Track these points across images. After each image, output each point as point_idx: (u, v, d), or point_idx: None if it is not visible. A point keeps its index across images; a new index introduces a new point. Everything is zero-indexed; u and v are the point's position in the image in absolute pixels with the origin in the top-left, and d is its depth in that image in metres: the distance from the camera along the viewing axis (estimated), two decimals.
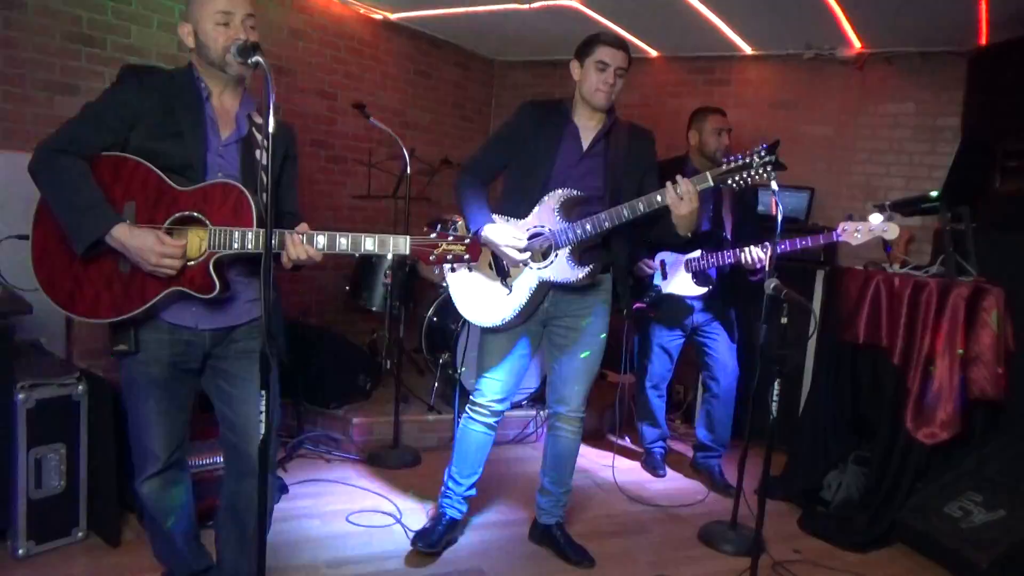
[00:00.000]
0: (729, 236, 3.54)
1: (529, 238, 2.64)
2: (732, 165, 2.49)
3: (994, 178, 3.68)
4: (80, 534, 2.75)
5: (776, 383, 2.52)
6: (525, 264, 2.65)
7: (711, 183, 2.52)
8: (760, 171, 2.43)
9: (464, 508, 2.95)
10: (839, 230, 3.14)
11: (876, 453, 3.38)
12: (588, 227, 2.63)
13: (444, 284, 2.75)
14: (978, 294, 3.20)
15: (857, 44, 4.63)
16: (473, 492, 2.95)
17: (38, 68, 3.31)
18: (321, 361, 4.03)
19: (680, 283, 3.56)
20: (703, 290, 3.53)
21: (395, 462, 3.78)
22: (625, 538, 3.16)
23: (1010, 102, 3.77)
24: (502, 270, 2.71)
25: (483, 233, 2.60)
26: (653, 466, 3.98)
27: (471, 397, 2.87)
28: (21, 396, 2.56)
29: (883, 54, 4.67)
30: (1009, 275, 3.26)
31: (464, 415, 2.90)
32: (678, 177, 2.51)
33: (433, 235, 1.96)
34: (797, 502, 3.59)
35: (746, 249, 3.31)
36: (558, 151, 2.69)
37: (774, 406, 2.53)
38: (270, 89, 1.69)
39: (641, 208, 2.55)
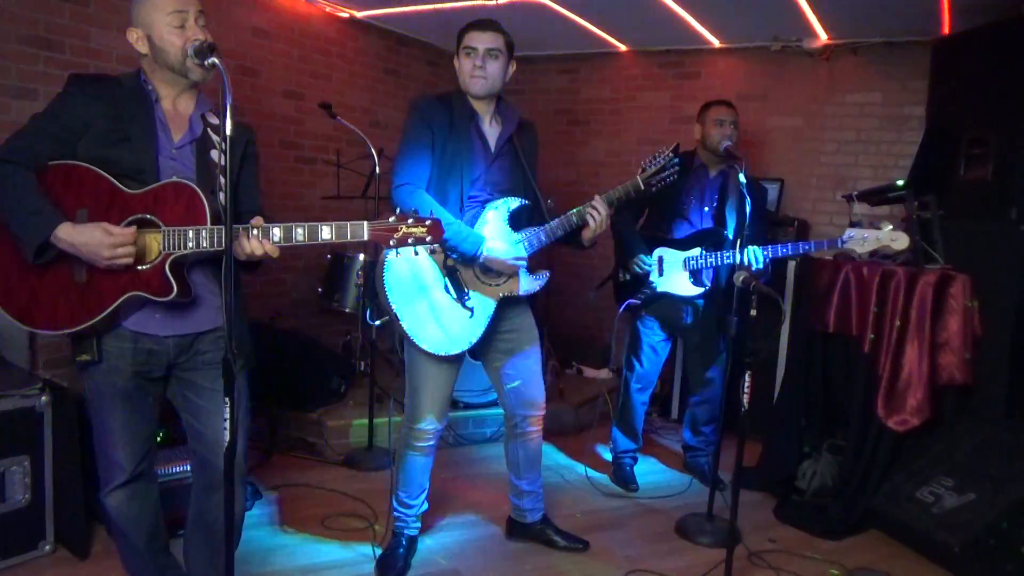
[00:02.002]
0: (731, 235, 3.41)
1: None
2: (655, 166, 2.64)
3: (959, 166, 3.71)
4: (47, 547, 2.70)
5: (746, 375, 2.53)
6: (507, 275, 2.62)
7: (641, 186, 2.65)
8: (672, 168, 2.65)
9: (419, 524, 2.86)
10: (845, 237, 3.08)
11: (849, 441, 3.42)
12: (543, 237, 2.63)
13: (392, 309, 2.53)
14: (945, 281, 3.24)
15: (823, 35, 4.66)
16: (425, 507, 2.86)
17: None
18: (294, 364, 3.99)
19: (676, 282, 3.42)
20: (700, 290, 3.42)
21: (371, 464, 3.75)
22: (601, 533, 3.16)
23: (973, 90, 3.80)
24: (461, 291, 2.58)
25: (485, 255, 2.52)
26: (624, 480, 3.71)
27: (411, 425, 2.69)
28: None
29: (849, 45, 4.70)
30: (974, 261, 3.29)
31: (403, 443, 2.74)
32: (596, 201, 2.58)
33: (392, 218, 1.92)
34: (773, 491, 3.62)
35: (746, 249, 3.19)
36: (473, 154, 2.59)
37: (745, 398, 2.53)
38: (227, 91, 1.65)
39: (575, 219, 2.61)
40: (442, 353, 2.55)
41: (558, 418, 4.45)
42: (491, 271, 2.62)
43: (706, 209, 3.49)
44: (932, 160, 3.66)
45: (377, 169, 3.82)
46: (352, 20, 5.07)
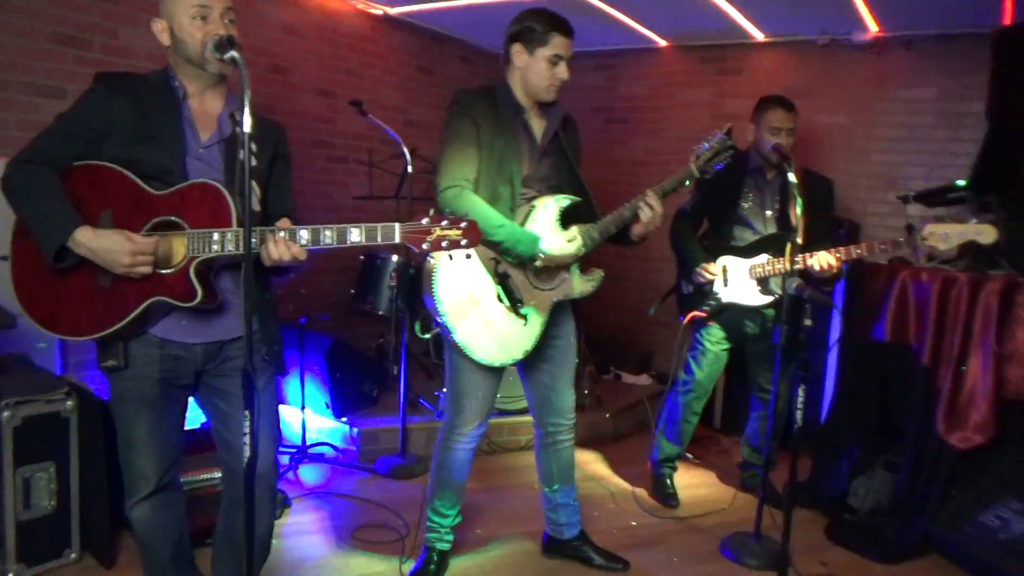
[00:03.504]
0: (800, 240, 3.14)
1: None
2: (709, 152, 2.52)
3: (1021, 166, 3.49)
4: (73, 555, 2.64)
5: (801, 389, 2.36)
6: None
7: (696, 173, 2.53)
8: (726, 152, 2.52)
9: (452, 537, 2.74)
10: (924, 233, 2.78)
11: (905, 458, 3.22)
12: (596, 235, 2.50)
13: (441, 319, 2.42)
14: (1012, 288, 3.02)
15: (874, 28, 4.45)
16: (459, 519, 2.75)
17: (22, 71, 3.19)
18: (325, 368, 3.91)
19: (743, 291, 3.23)
20: (769, 299, 3.23)
21: (402, 472, 3.65)
22: (640, 551, 3.02)
23: None
24: (515, 299, 2.46)
25: (545, 253, 2.41)
26: (664, 495, 3.53)
27: (452, 427, 2.60)
28: (6, 414, 2.45)
29: (902, 38, 4.49)
30: None
31: (440, 448, 2.64)
32: (649, 194, 2.45)
33: (425, 220, 1.81)
34: (823, 509, 3.44)
35: (816, 255, 2.99)
36: (521, 149, 2.46)
37: (799, 414, 2.37)
38: (245, 86, 1.56)
39: (627, 214, 2.49)
40: (497, 364, 2.45)
41: (595, 426, 4.31)
42: (544, 275, 2.51)
43: (768, 213, 3.31)
44: (995, 159, 3.44)
45: (410, 168, 3.72)
46: (385, 17, 4.98)
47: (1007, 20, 4.00)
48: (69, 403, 2.59)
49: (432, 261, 2.39)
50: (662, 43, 5.32)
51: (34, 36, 3.22)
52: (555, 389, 2.70)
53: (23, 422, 2.49)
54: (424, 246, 1.80)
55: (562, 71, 2.41)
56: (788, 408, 3.12)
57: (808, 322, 2.40)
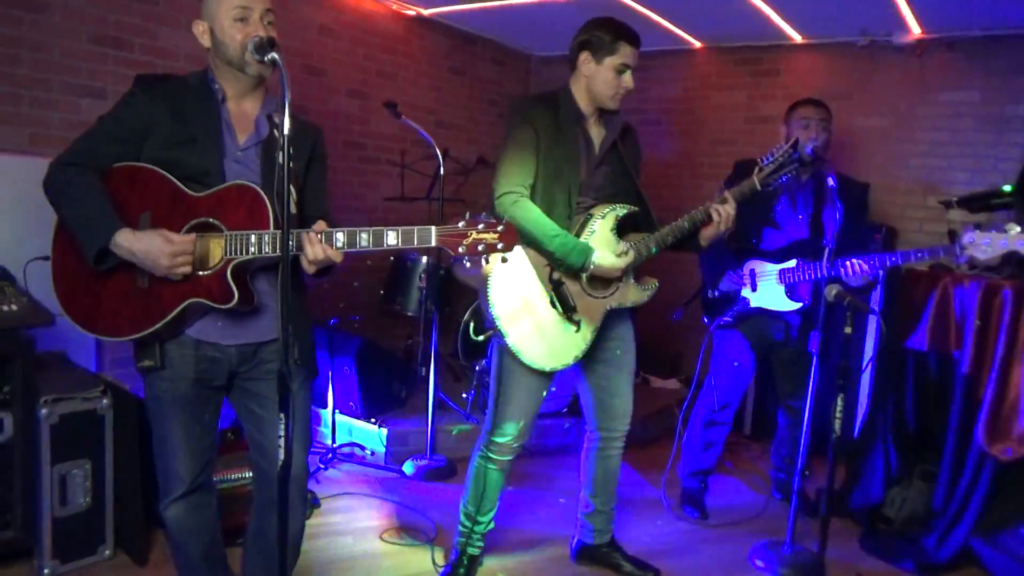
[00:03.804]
0: (831, 245, 3.04)
1: None
2: (774, 164, 2.46)
3: None
4: (107, 552, 2.67)
5: (839, 398, 2.31)
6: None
7: (758, 187, 2.49)
8: (791, 165, 2.48)
9: (483, 543, 2.73)
10: (964, 240, 2.66)
11: (945, 468, 3.14)
12: (652, 246, 2.49)
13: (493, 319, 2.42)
14: None
15: (916, 29, 4.35)
16: (492, 526, 2.74)
17: (64, 71, 3.25)
18: (355, 369, 3.92)
19: (771, 296, 3.17)
20: (798, 305, 3.15)
21: (431, 473, 3.65)
22: (670, 559, 2.97)
23: None
24: (568, 307, 2.45)
25: (596, 264, 2.40)
26: (692, 505, 3.46)
27: (491, 437, 2.58)
28: (44, 411, 2.49)
29: (945, 39, 4.38)
30: None
31: (480, 454, 2.63)
32: (727, 194, 2.43)
33: (461, 224, 1.79)
34: (857, 519, 3.37)
35: (848, 263, 2.92)
36: (579, 157, 2.47)
37: (837, 423, 2.32)
38: (285, 88, 1.57)
39: (686, 225, 2.48)
40: (547, 369, 2.46)
41: None
42: (598, 282, 2.50)
43: (800, 217, 3.24)
44: None
45: (442, 170, 3.71)
46: (418, 18, 4.99)
47: None
48: (105, 401, 2.62)
49: (487, 266, 2.40)
50: (697, 44, 5.26)
51: (75, 37, 3.27)
52: (612, 393, 2.69)
53: (60, 419, 2.52)
54: (460, 250, 1.77)
55: (628, 80, 2.43)
56: (820, 416, 3.05)
57: (848, 329, 2.35)
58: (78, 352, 3.10)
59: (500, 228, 1.79)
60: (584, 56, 2.44)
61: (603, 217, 2.47)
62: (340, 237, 1.81)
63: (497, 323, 2.40)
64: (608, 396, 2.69)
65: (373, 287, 4.64)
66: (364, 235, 1.80)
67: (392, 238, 1.79)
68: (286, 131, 1.57)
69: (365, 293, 4.74)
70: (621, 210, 2.49)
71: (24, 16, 3.12)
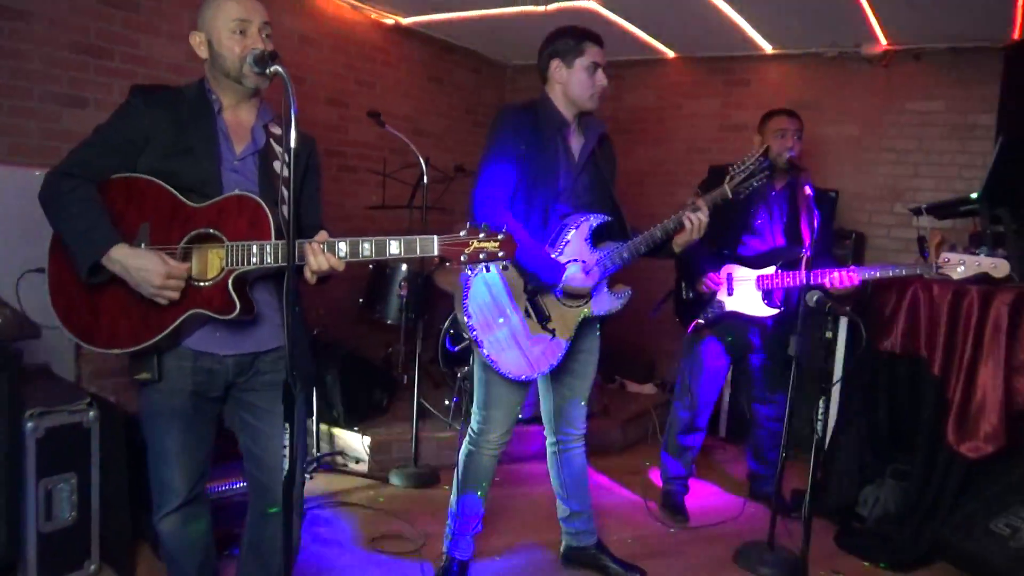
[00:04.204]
0: (809, 252, 3.15)
1: None
2: (744, 172, 2.51)
3: None
4: (92, 567, 2.62)
5: (821, 401, 2.39)
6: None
7: (729, 195, 2.54)
8: (762, 173, 2.53)
9: (472, 547, 2.77)
10: (940, 261, 2.87)
11: (916, 467, 3.25)
12: (626, 255, 2.53)
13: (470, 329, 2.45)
14: (1022, 301, 3.06)
15: (884, 41, 4.49)
16: (480, 528, 2.77)
17: (44, 80, 3.20)
18: (336, 377, 3.91)
19: (748, 301, 3.22)
20: (774, 311, 3.22)
21: (415, 481, 3.66)
22: (656, 561, 3.03)
23: None
24: (543, 316, 2.49)
25: (565, 282, 2.44)
26: (673, 509, 3.52)
27: (477, 433, 2.64)
28: (30, 424, 2.45)
29: (911, 51, 4.53)
30: None
31: (467, 446, 2.67)
32: (699, 203, 2.48)
33: (463, 232, 1.82)
34: (832, 518, 3.46)
35: (837, 274, 2.99)
36: (559, 165, 2.51)
37: (819, 425, 2.40)
38: (291, 100, 1.59)
39: (659, 234, 2.52)
40: (523, 378, 2.49)
41: (604, 436, 4.33)
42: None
43: (777, 224, 3.33)
44: (1007, 172, 3.47)
45: (425, 179, 3.73)
46: (397, 27, 5.01)
47: (1016, 35, 4.05)
48: (92, 414, 2.59)
49: (464, 277, 2.43)
50: (670, 54, 5.36)
51: (56, 46, 3.23)
52: (570, 400, 2.74)
53: (46, 433, 2.48)
54: (462, 258, 1.80)
55: (601, 77, 2.49)
56: (797, 419, 3.13)
57: (829, 334, 2.43)
58: (57, 364, 3.05)
59: (501, 236, 1.82)
60: (554, 64, 2.50)
61: (577, 227, 2.51)
62: (343, 247, 1.83)
63: (473, 334, 2.43)
64: (566, 403, 2.74)
65: (352, 295, 4.64)
66: (367, 245, 1.83)
67: (395, 247, 1.81)
68: (292, 143, 1.59)
69: (344, 301, 4.73)
70: (595, 220, 2.53)
71: (3, 25, 3.08)
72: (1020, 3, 3.63)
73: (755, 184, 2.52)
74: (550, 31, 2.55)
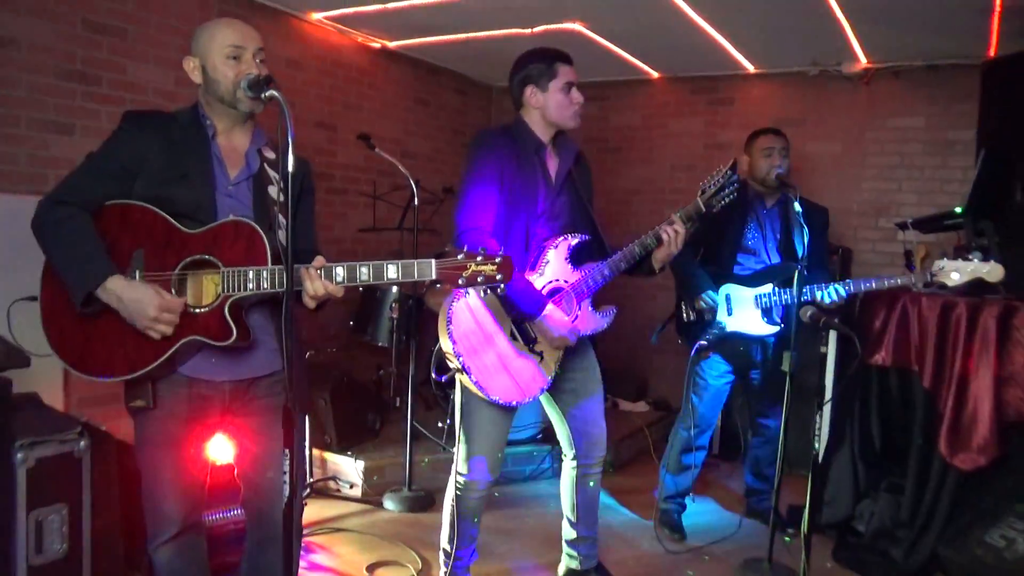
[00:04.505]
0: (801, 268, 3.11)
1: (549, 295, 2.48)
2: (715, 186, 2.51)
3: (1015, 190, 3.59)
4: None
5: (818, 416, 2.40)
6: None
7: (703, 208, 2.53)
8: (732, 186, 2.51)
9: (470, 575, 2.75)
10: (934, 269, 2.88)
11: (910, 480, 3.26)
12: (607, 272, 2.52)
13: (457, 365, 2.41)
14: (1010, 312, 3.10)
15: (863, 59, 4.58)
16: (475, 557, 2.74)
17: (31, 106, 3.19)
18: (327, 401, 3.88)
19: (747, 320, 3.23)
20: (774, 329, 3.23)
21: (409, 505, 3.63)
22: None
23: None
24: (529, 338, 2.45)
25: (539, 325, 2.41)
26: (670, 527, 3.48)
27: (462, 478, 2.57)
28: (20, 455, 2.39)
29: (891, 68, 4.61)
30: None
31: (453, 495, 2.60)
32: (674, 216, 2.49)
33: (460, 256, 1.82)
34: (828, 533, 3.46)
35: (831, 289, 3.03)
36: (537, 188, 2.50)
37: (817, 440, 2.40)
38: (288, 125, 1.59)
39: (638, 250, 2.51)
40: (513, 403, 2.44)
41: None
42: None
43: (770, 242, 3.36)
44: (988, 186, 3.54)
45: (416, 200, 3.73)
46: (384, 50, 5.04)
47: (992, 52, 4.14)
48: (83, 443, 2.54)
49: (446, 302, 2.39)
50: (654, 74, 5.42)
51: (43, 72, 3.22)
52: (586, 420, 2.70)
53: (37, 463, 2.43)
54: (460, 282, 1.80)
55: (577, 95, 2.49)
56: (791, 433, 3.13)
57: (824, 349, 2.44)
58: (47, 392, 3.01)
59: (498, 260, 1.82)
60: (529, 90, 2.49)
61: (556, 247, 2.51)
62: (340, 272, 1.82)
63: (459, 360, 2.38)
64: (583, 424, 2.70)
65: (342, 318, 4.62)
66: (364, 269, 1.82)
67: (392, 272, 1.81)
68: (290, 167, 1.60)
69: (335, 324, 4.71)
70: (573, 239, 2.53)
71: None
72: (995, 21, 3.71)
73: (727, 197, 2.51)
74: (518, 57, 2.54)
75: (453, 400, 4.02)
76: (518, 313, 2.41)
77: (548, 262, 2.50)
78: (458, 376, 2.47)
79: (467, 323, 2.40)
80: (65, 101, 3.29)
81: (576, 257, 2.55)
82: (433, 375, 3.91)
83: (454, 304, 2.38)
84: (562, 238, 2.52)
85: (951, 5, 3.53)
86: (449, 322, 2.38)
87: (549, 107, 2.48)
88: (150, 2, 3.60)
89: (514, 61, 2.55)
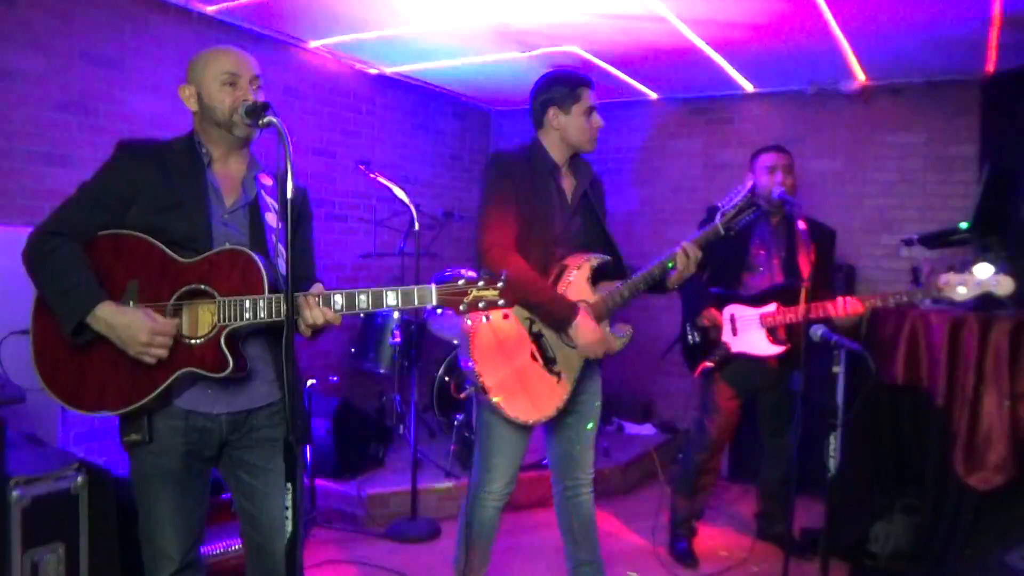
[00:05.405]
0: (807, 287, 3.05)
1: None
2: (734, 208, 2.50)
3: (1019, 206, 3.56)
4: None
5: (831, 437, 2.34)
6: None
7: (722, 232, 2.53)
8: (750, 208, 2.52)
9: None
10: (940, 284, 2.81)
11: (926, 501, 3.19)
12: (627, 294, 2.51)
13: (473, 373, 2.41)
14: (1021, 328, 3.05)
15: (862, 77, 4.57)
16: None
17: (29, 138, 3.18)
18: (329, 430, 3.82)
19: (753, 341, 3.19)
20: (780, 348, 3.18)
21: (416, 535, 3.56)
22: None
23: None
24: (548, 358, 2.46)
25: (573, 335, 2.40)
26: (681, 554, 3.43)
27: (480, 485, 2.57)
28: (15, 493, 2.34)
29: (888, 86, 4.61)
30: None
31: (470, 503, 2.60)
32: (687, 245, 2.48)
33: (461, 282, 1.78)
34: (843, 556, 3.38)
35: (832, 304, 3.00)
36: (553, 209, 2.51)
37: (831, 462, 2.35)
38: (289, 151, 1.56)
39: (657, 272, 2.51)
40: (531, 422, 2.44)
41: (604, 479, 4.23)
42: None
43: (775, 261, 3.32)
44: (993, 201, 3.51)
45: (416, 225, 3.70)
46: (381, 76, 5.04)
47: (990, 68, 4.13)
48: (79, 480, 2.49)
49: (469, 323, 2.39)
50: (653, 96, 5.43)
51: (39, 104, 3.21)
52: (578, 443, 2.66)
53: (32, 502, 2.38)
54: (461, 307, 1.77)
55: (597, 120, 2.50)
56: (805, 455, 3.07)
57: (836, 369, 2.39)
58: (42, 428, 2.96)
59: (500, 284, 1.78)
60: (552, 112, 2.50)
61: (579, 268, 2.50)
62: (339, 300, 1.78)
63: (480, 380, 2.39)
64: (571, 445, 2.67)
65: (343, 345, 4.58)
66: (363, 297, 1.78)
67: (392, 299, 1.77)
68: (289, 194, 1.56)
69: (335, 352, 4.67)
70: (595, 260, 2.52)
71: None
72: (993, 38, 3.70)
73: (746, 219, 2.51)
74: (542, 78, 2.56)
75: (457, 425, 4.00)
76: (552, 320, 2.41)
77: (571, 282, 2.48)
78: (477, 395, 2.46)
79: (490, 342, 2.41)
80: (62, 133, 3.28)
81: (594, 277, 2.53)
82: (452, 392, 3.88)
83: (478, 325, 2.39)
84: (584, 259, 2.51)
85: (949, 18, 3.52)
86: (471, 342, 2.39)
87: (570, 130, 2.49)
88: (146, 33, 3.60)
89: (536, 82, 2.57)
